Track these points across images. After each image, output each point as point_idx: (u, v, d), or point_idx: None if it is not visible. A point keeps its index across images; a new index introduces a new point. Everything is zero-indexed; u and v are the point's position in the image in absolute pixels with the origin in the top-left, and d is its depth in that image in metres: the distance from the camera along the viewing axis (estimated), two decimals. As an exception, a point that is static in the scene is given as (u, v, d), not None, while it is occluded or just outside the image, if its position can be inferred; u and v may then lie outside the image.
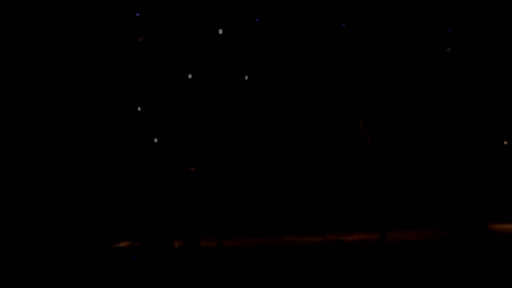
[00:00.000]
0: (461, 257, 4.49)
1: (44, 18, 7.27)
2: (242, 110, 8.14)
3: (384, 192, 6.72)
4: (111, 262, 5.20)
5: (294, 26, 7.99)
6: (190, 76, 7.96)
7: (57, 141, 7.22)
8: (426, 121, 7.95)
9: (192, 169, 6.23)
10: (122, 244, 6.15)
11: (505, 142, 6.54)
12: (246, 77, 8.21)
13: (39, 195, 6.77)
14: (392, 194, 7.38)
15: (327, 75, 8.30)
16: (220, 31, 7.89)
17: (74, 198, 7.11)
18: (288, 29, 8.00)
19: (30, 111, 7.20)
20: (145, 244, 5.74)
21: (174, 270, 4.85)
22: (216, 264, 5.03)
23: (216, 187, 6.78)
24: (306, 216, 7.38)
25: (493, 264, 4.25)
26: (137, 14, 7.49)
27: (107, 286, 4.49)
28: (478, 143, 7.78)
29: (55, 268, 4.82)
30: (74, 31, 7.33)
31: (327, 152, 7.73)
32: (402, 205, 7.49)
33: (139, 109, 7.82)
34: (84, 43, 7.41)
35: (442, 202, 7.50)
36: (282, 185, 7.58)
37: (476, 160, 7.78)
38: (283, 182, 7.64)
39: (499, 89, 7.99)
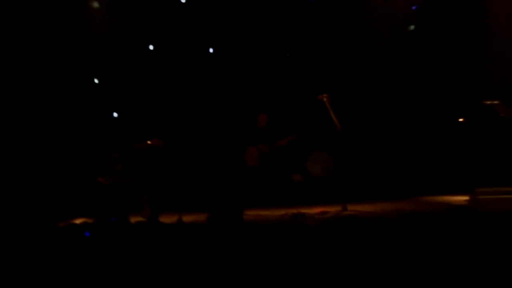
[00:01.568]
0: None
1: None
2: (199, 82, 7.91)
3: (349, 166, 6.74)
4: (63, 239, 4.91)
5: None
6: (151, 47, 7.62)
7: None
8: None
9: (148, 142, 5.96)
10: (77, 221, 5.86)
11: None
12: (211, 50, 7.98)
13: None
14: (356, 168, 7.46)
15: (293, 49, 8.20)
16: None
17: (23, 174, 6.72)
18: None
19: None
20: (99, 220, 5.48)
21: (130, 247, 4.62)
22: (176, 240, 4.85)
23: (174, 161, 6.58)
24: (267, 191, 7.30)
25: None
26: None
27: (58, 265, 4.20)
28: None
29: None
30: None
31: (291, 126, 7.65)
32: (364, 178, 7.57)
33: (93, 81, 7.43)
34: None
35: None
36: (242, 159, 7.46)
37: None
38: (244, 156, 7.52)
39: None
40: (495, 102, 6.82)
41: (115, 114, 7.55)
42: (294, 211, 5.92)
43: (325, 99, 6.16)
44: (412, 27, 8.22)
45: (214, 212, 4.76)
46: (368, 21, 7.90)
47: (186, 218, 5.81)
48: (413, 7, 8.05)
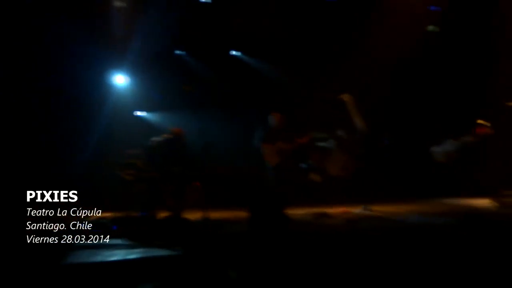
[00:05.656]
0: None
1: None
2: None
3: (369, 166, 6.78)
4: (91, 232, 4.98)
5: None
6: None
7: None
8: None
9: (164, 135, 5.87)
10: (106, 215, 5.92)
11: None
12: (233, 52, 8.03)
13: None
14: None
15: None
16: None
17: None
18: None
19: None
20: (126, 215, 5.54)
21: (157, 243, 4.70)
22: (204, 237, 4.92)
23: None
24: (287, 189, 7.34)
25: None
26: None
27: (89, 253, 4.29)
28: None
29: None
30: None
31: (312, 125, 7.69)
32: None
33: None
34: None
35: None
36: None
37: None
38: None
39: None
40: None
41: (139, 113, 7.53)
42: (316, 210, 5.97)
43: (346, 99, 6.18)
44: (431, 27, 8.28)
45: (257, 210, 4.66)
46: (387, 21, 7.94)
47: (212, 215, 5.87)
48: (432, 8, 8.12)
